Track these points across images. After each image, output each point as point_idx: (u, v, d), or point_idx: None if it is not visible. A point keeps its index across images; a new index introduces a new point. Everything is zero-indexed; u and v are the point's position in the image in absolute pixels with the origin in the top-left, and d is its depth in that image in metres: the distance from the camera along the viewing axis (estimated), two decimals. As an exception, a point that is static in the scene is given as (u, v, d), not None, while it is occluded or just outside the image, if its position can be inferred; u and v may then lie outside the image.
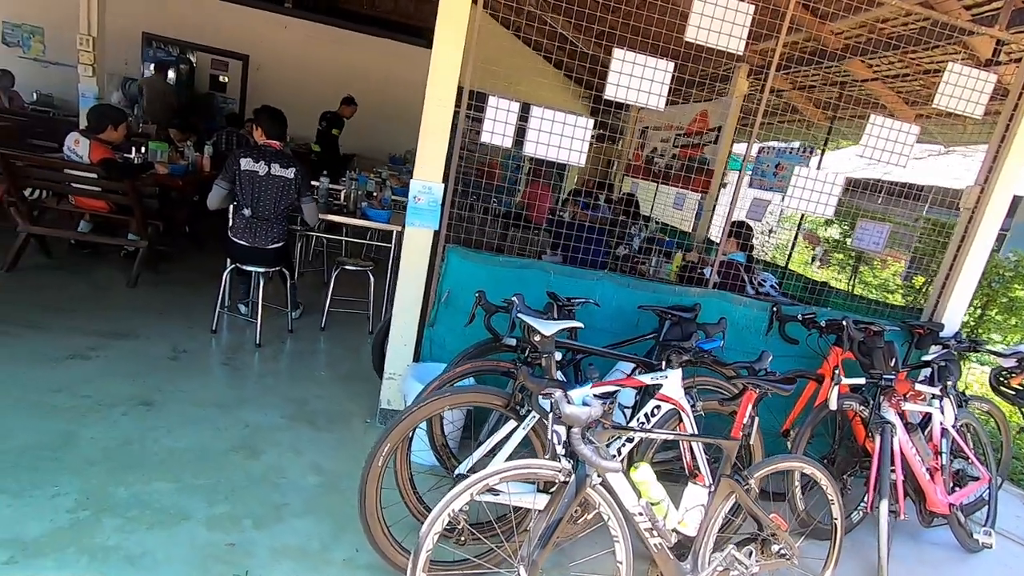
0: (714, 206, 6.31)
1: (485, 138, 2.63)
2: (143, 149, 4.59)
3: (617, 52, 2.64)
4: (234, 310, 4.01)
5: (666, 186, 7.75)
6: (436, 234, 2.74)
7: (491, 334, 2.44)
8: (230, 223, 3.53)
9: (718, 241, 3.43)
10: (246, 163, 3.42)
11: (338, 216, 3.96)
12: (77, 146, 3.96)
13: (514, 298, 2.11)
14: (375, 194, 4.53)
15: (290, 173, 3.48)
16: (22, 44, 9.90)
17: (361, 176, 4.53)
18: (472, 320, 2.40)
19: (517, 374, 1.91)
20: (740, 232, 3.89)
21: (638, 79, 2.68)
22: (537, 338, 1.96)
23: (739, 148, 6.90)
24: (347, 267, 4.03)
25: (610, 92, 2.69)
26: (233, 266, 3.63)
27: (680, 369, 2.17)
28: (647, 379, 2.13)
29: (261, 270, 3.60)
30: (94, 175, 3.93)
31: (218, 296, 3.73)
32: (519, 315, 2.03)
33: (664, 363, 2.18)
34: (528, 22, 9.52)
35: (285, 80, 10.63)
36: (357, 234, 4.90)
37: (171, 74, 9.97)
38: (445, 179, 2.67)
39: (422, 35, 11.76)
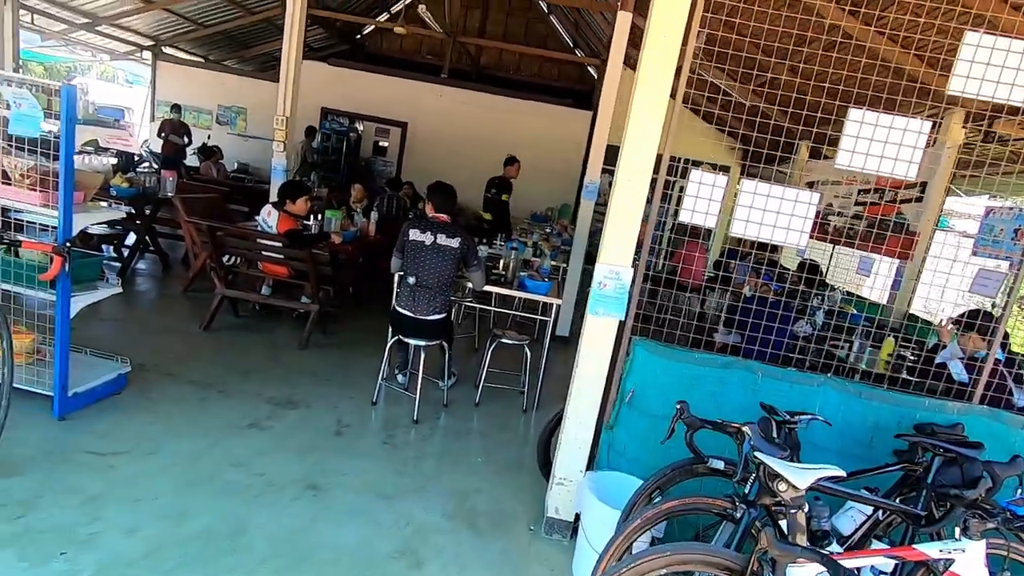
0: (918, 274, 5.32)
1: (684, 217, 2.28)
2: (320, 217, 4.91)
3: (854, 112, 2.18)
4: (391, 378, 3.99)
5: (845, 248, 6.78)
6: (621, 324, 2.41)
7: (692, 454, 2.02)
8: (395, 291, 3.52)
9: (929, 318, 2.69)
10: (413, 233, 3.42)
11: (497, 287, 3.82)
12: (269, 217, 4.30)
13: (746, 428, 1.68)
14: (532, 261, 4.37)
15: (455, 243, 3.40)
16: (230, 122, 11.68)
17: (519, 243, 4.42)
18: (671, 435, 2.00)
19: (757, 536, 1.47)
20: (980, 323, 2.97)
21: (880, 143, 2.18)
22: (784, 487, 1.51)
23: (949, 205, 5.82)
24: (504, 341, 3.84)
25: (843, 160, 2.22)
26: (395, 338, 3.61)
27: (983, 540, 1.56)
28: (933, 552, 1.55)
29: (422, 343, 3.52)
30: (280, 244, 4.21)
31: (379, 368, 3.72)
32: (757, 454, 1.59)
33: (958, 529, 1.58)
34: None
35: (438, 142, 11.32)
36: (504, 300, 4.76)
37: (321, 138, 11.08)
38: (635, 263, 2.35)
39: (566, 95, 11.98)
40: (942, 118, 5.09)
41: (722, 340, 3.98)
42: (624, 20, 5.17)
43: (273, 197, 5.03)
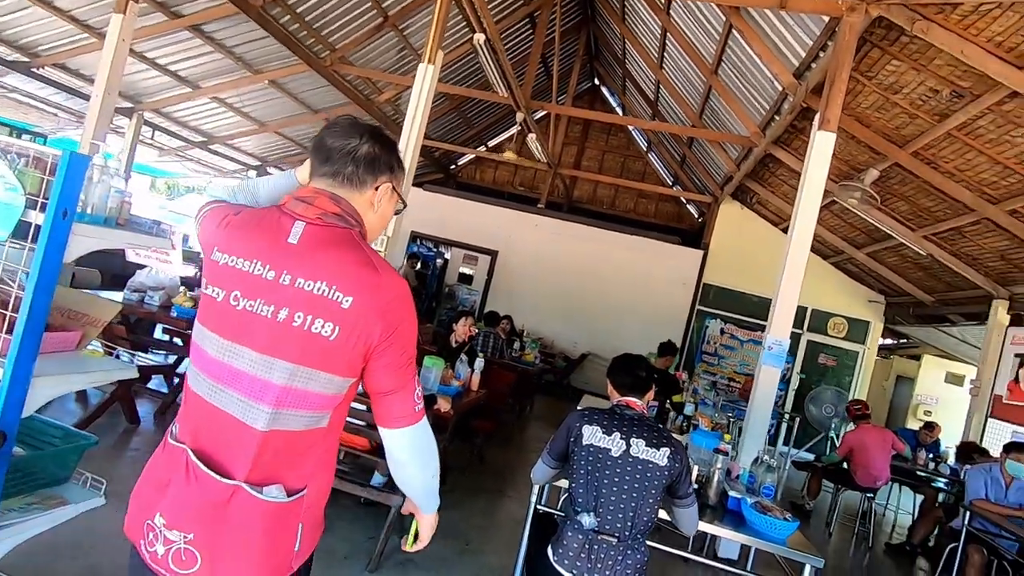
0: None
1: None
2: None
3: None
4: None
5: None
6: None
7: None
8: (556, 537, 2.05)
9: None
10: (591, 433, 2.02)
11: (711, 524, 2.29)
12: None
13: None
14: (734, 470, 2.83)
15: (661, 456, 1.98)
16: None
17: (705, 434, 2.91)
18: None
19: None
20: None
21: None
22: None
23: None
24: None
25: None
26: (542, 612, 2.08)
27: None
28: None
29: (593, 635, 1.97)
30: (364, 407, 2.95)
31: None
32: None
33: None
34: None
35: (529, 273, 10.42)
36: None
37: (418, 265, 10.45)
38: None
39: (660, 231, 11.03)
40: None
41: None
42: (826, 142, 4.04)
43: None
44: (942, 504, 5.55)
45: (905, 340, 10.81)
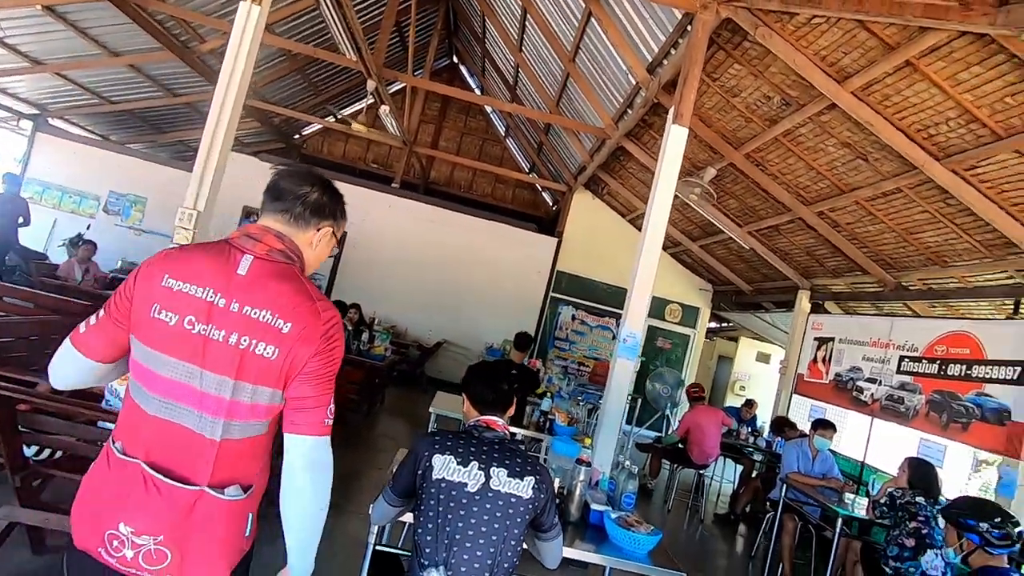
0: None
1: None
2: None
3: None
4: None
5: (882, 423, 5.71)
6: None
7: None
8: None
9: None
10: (443, 464, 1.65)
11: (571, 546, 2.06)
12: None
13: None
14: (594, 476, 2.67)
15: (525, 488, 1.68)
16: (122, 212, 9.51)
17: (565, 439, 2.70)
18: None
19: None
20: None
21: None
22: None
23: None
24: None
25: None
26: None
27: None
28: None
29: None
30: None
31: None
32: None
33: None
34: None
35: (379, 256, 9.72)
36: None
37: None
38: None
39: (516, 218, 11.05)
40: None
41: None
42: (680, 136, 4.10)
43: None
44: (759, 475, 6.16)
45: (727, 324, 12.12)
